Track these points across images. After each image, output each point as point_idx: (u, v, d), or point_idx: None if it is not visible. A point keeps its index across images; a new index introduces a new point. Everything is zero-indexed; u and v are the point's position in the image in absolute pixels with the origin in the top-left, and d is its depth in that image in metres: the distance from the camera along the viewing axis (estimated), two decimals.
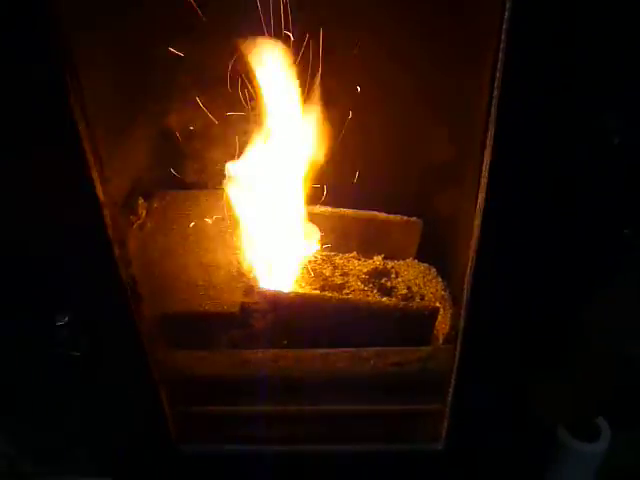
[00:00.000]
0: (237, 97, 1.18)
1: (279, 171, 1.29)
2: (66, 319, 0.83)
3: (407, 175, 1.32)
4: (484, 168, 0.71)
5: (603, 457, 1.53)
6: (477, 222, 0.75)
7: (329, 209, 1.40)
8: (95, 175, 0.72)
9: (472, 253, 0.78)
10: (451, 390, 0.89)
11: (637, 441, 1.66)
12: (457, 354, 0.86)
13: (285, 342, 1.09)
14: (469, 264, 0.80)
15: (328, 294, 1.25)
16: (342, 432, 1.02)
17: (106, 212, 0.75)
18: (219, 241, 1.30)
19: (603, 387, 1.12)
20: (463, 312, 0.83)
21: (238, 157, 1.22)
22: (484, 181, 0.72)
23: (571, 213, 0.74)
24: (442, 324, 1.26)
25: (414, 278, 1.43)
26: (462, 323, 0.83)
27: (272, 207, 1.31)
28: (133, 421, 0.98)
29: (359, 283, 1.38)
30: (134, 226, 1.34)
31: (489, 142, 0.68)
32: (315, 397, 1.05)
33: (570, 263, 0.81)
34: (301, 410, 1.06)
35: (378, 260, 1.45)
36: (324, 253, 1.41)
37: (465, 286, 0.83)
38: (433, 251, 1.43)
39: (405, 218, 1.42)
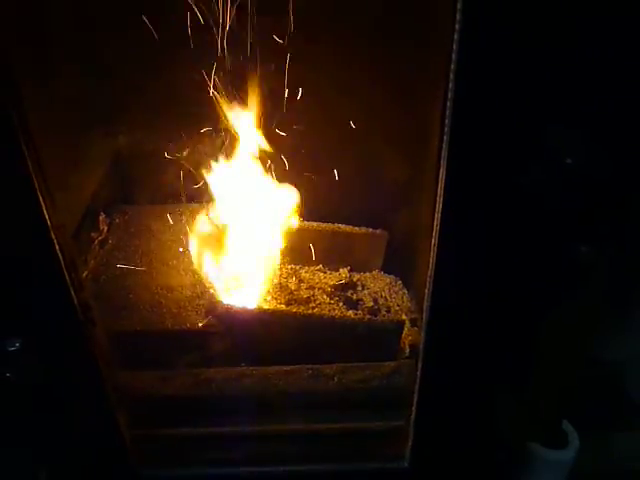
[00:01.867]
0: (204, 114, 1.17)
1: (244, 188, 1.28)
2: (17, 345, 0.81)
3: (369, 190, 1.32)
4: (439, 187, 0.71)
5: (572, 463, 1.53)
6: (434, 241, 0.75)
7: (293, 223, 1.39)
8: (42, 197, 0.70)
9: (430, 271, 0.78)
10: (414, 407, 0.89)
11: (604, 443, 1.67)
12: (419, 370, 0.85)
13: (243, 364, 1.07)
14: (427, 281, 0.79)
15: (293, 309, 1.24)
16: (308, 451, 1.01)
17: (55, 236, 0.73)
18: (182, 258, 1.29)
19: (567, 392, 1.13)
20: (423, 327, 0.82)
21: (201, 174, 1.21)
22: (439, 200, 0.72)
23: (526, 230, 0.74)
24: (409, 336, 1.26)
25: (380, 290, 1.42)
26: (422, 339, 0.83)
27: (238, 220, 1.30)
28: (90, 445, 0.96)
29: (325, 296, 1.37)
30: (95, 242, 1.32)
31: (443, 163, 0.68)
32: (280, 416, 1.04)
33: (527, 277, 0.80)
34: (265, 430, 1.04)
35: (344, 273, 1.44)
36: (289, 267, 1.40)
37: (425, 302, 0.82)
38: (399, 263, 1.43)
39: (370, 230, 1.42)
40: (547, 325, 0.83)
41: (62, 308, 0.77)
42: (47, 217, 0.71)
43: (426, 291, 0.78)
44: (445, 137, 0.65)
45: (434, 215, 0.76)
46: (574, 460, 1.54)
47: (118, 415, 0.97)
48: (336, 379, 1.06)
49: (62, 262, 0.75)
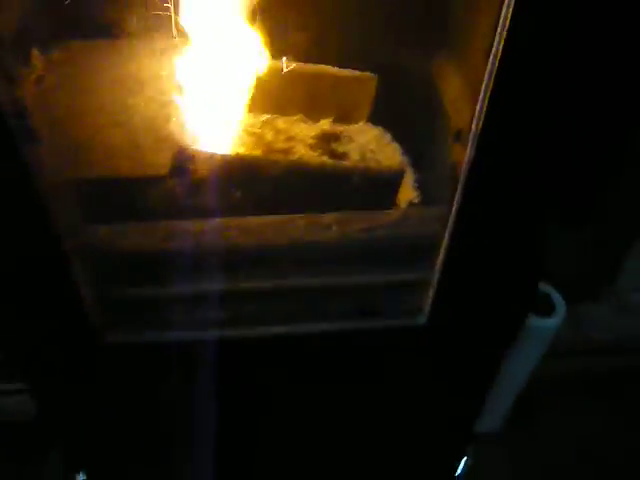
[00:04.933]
0: None
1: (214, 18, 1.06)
2: None
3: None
4: None
5: (557, 330, 1.52)
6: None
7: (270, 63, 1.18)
8: None
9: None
10: (442, 253, 0.74)
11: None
12: (454, 203, 0.69)
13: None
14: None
15: (274, 156, 1.06)
16: (306, 310, 0.86)
17: None
18: (144, 97, 1.07)
19: None
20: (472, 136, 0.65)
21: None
22: None
23: None
24: (402, 193, 1.11)
25: (367, 143, 1.26)
26: (469, 156, 0.66)
27: (206, 58, 1.09)
28: (45, 310, 0.78)
29: (306, 148, 1.19)
30: (27, 80, 1.08)
31: None
32: (269, 272, 0.88)
33: None
34: (250, 287, 0.89)
35: (326, 123, 1.26)
36: (265, 116, 1.21)
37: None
38: (388, 114, 1.26)
39: (357, 73, 1.22)
40: None
41: None
42: None
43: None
44: None
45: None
46: (559, 327, 1.52)
47: (74, 273, 0.79)
48: (335, 228, 0.90)
49: None
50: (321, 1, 1.14)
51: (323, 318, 0.85)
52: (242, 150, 1.12)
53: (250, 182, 0.99)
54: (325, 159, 1.05)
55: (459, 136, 0.68)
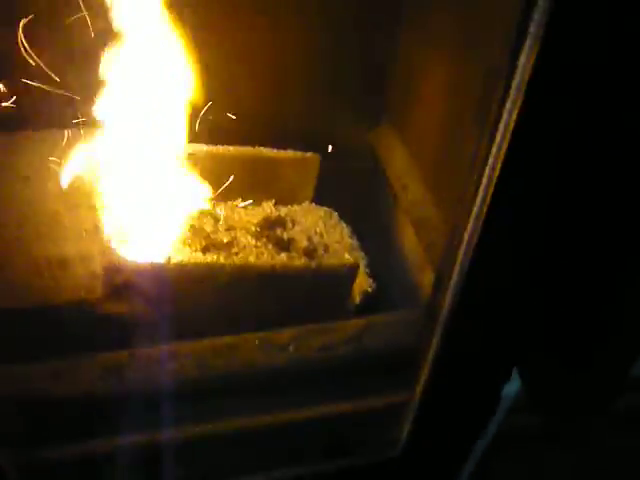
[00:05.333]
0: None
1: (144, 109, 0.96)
2: None
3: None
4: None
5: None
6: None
7: (204, 147, 1.09)
8: None
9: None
10: (425, 371, 0.66)
11: None
12: (435, 337, 0.62)
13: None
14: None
15: (218, 260, 0.97)
16: (263, 454, 0.77)
17: None
18: (60, 202, 0.95)
19: None
20: (453, 282, 0.58)
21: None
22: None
23: None
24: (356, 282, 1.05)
25: (314, 225, 1.18)
26: (450, 297, 0.59)
27: (128, 148, 0.99)
28: None
29: (249, 238, 1.10)
30: None
31: None
32: (219, 408, 0.78)
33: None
34: (202, 432, 0.78)
35: (269, 207, 1.18)
36: (202, 203, 1.11)
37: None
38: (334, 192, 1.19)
39: (299, 154, 1.15)
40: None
41: None
42: None
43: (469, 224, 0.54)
44: None
45: None
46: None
47: None
48: (292, 348, 0.82)
49: None
50: (257, 83, 1.07)
51: (281, 462, 0.75)
52: (181, 251, 1.02)
53: (194, 294, 0.90)
54: (275, 263, 0.96)
55: (440, 284, 0.61)
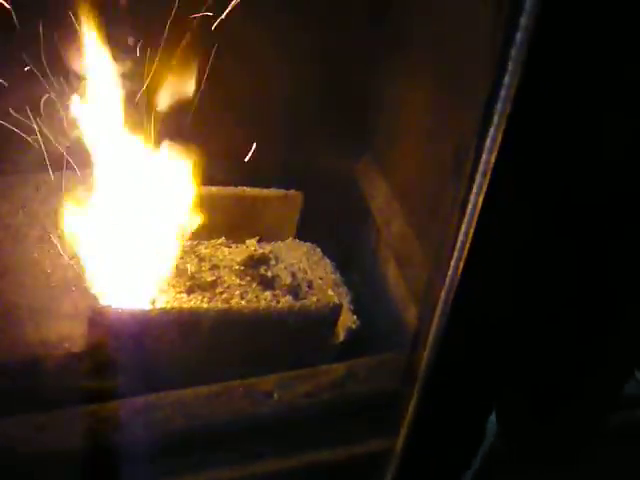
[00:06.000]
0: None
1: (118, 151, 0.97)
2: None
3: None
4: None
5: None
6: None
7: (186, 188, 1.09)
8: None
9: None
10: (408, 418, 0.67)
11: None
12: (414, 398, 0.63)
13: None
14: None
15: (200, 305, 0.97)
16: None
17: None
18: (45, 248, 0.96)
19: None
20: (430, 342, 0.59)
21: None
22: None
23: None
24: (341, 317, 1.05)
25: (297, 262, 1.19)
26: (427, 358, 0.60)
27: (115, 192, 1.00)
28: None
29: (233, 277, 1.11)
30: None
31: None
32: (204, 458, 0.78)
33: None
34: None
35: (252, 244, 1.19)
36: (185, 243, 1.12)
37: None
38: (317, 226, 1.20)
39: (282, 191, 1.16)
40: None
41: None
42: None
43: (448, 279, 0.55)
44: None
45: None
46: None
47: None
48: (276, 396, 0.82)
49: None
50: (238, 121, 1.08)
51: None
52: (166, 293, 1.03)
53: (179, 339, 0.90)
54: (258, 306, 0.97)
55: (416, 344, 0.62)
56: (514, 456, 0.72)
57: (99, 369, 0.83)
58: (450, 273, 0.57)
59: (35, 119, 0.89)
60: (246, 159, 1.06)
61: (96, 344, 0.84)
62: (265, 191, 1.14)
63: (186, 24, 0.92)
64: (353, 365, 0.87)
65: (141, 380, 0.84)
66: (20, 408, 0.78)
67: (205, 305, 0.98)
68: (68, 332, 0.85)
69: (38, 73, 0.88)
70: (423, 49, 1.03)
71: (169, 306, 0.95)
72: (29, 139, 0.94)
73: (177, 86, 0.93)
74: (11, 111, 0.89)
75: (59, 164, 0.93)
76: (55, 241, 0.95)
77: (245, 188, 1.13)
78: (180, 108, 0.95)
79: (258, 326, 0.93)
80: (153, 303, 0.99)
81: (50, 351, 0.82)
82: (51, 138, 0.91)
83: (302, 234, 1.23)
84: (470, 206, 0.56)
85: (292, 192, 1.16)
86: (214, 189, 1.11)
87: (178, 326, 0.90)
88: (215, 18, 0.91)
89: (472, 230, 0.54)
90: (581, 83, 0.49)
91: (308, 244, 1.22)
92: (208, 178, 1.07)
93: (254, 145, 1.06)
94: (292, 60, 1.08)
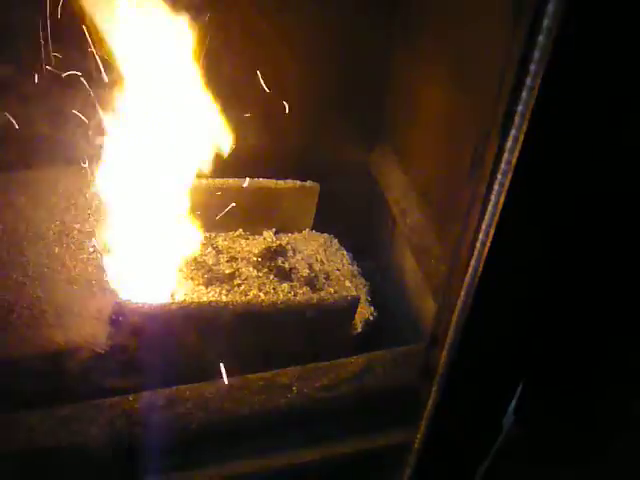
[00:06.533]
0: None
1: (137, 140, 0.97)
2: None
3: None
4: None
5: None
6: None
7: (204, 181, 1.10)
8: None
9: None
10: (427, 412, 0.67)
11: None
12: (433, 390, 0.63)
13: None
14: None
15: (219, 299, 0.98)
16: None
17: None
18: (64, 241, 0.97)
19: None
20: (449, 340, 0.60)
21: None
22: None
23: None
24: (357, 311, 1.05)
25: (315, 253, 1.19)
26: (447, 355, 0.61)
27: (132, 183, 1.00)
28: None
29: (251, 269, 1.12)
30: None
31: None
32: (228, 453, 0.79)
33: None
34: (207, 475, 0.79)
35: (269, 236, 1.19)
36: (203, 235, 1.12)
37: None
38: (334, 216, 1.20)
39: (298, 183, 1.16)
40: None
41: None
42: None
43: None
44: None
45: None
46: None
47: None
48: (295, 389, 0.83)
49: None
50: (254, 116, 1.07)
51: None
52: (185, 286, 1.04)
53: (201, 332, 0.91)
54: (277, 300, 0.97)
55: (435, 340, 0.62)
56: (533, 454, 0.72)
57: (120, 363, 0.84)
58: (470, 271, 0.57)
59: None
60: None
61: (118, 340, 0.85)
62: (282, 183, 1.14)
63: None
64: (371, 358, 0.87)
65: (161, 374, 0.85)
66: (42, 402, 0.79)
67: (224, 298, 0.98)
68: (90, 328, 0.86)
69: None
70: (439, 41, 1.02)
71: (188, 300, 0.96)
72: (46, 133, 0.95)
73: None
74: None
75: (79, 158, 0.93)
76: (76, 236, 0.96)
77: (262, 180, 1.13)
78: None
79: (277, 320, 0.94)
80: (172, 296, 1.00)
81: (72, 347, 0.83)
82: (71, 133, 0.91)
83: (319, 225, 1.23)
84: (491, 205, 0.56)
85: (309, 183, 1.16)
86: (231, 181, 1.12)
87: (198, 321, 0.91)
88: None
89: (492, 230, 0.54)
90: (604, 84, 0.48)
91: (325, 235, 1.22)
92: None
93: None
94: (309, 53, 1.08)
